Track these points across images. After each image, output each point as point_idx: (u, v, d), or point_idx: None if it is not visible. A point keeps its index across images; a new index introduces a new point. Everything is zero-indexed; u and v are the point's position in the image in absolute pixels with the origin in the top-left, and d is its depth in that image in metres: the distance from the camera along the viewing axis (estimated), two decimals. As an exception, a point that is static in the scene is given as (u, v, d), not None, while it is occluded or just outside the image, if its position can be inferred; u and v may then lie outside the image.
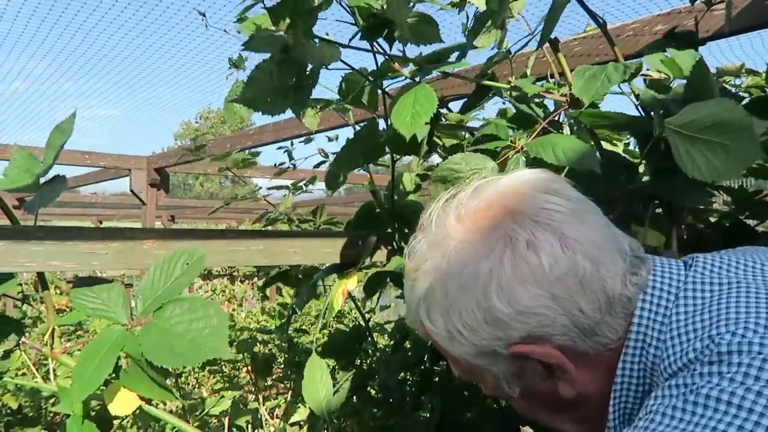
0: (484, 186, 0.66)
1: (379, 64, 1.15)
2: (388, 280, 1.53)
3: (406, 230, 1.48)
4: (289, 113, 1.12)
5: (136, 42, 5.91)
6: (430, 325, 0.65)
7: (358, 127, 1.64)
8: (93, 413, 1.05)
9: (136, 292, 0.98)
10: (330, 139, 2.23)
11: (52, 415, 3.76)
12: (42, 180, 0.97)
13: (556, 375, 0.63)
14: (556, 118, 1.04)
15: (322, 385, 1.11)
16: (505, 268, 0.59)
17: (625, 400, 0.61)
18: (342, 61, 1.09)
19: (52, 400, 3.64)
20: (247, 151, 3.34)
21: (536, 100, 1.10)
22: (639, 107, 1.01)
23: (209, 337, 0.90)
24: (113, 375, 0.97)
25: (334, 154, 1.82)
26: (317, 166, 2.14)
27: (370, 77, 1.16)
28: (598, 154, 0.95)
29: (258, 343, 2.92)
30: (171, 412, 2.59)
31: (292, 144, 2.36)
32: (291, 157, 2.28)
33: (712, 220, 1.30)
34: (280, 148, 2.35)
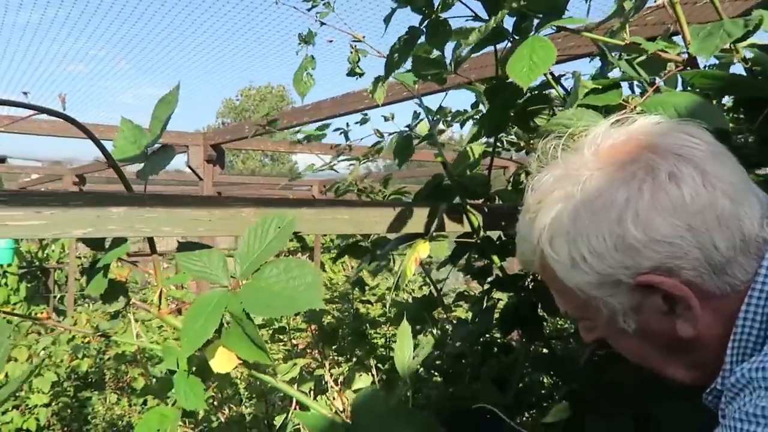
0: (619, 126, 0.67)
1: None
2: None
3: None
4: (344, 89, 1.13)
5: (184, 26, 6.00)
6: (551, 252, 0.65)
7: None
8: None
9: (234, 255, 1.03)
10: (386, 119, 2.25)
11: (116, 381, 3.95)
12: (149, 150, 1.02)
13: (676, 312, 0.62)
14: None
15: (408, 349, 1.14)
16: (644, 196, 0.60)
17: (745, 344, 0.60)
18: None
19: (122, 367, 3.81)
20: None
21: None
22: (747, 71, 0.99)
23: (304, 292, 0.95)
24: (216, 335, 1.03)
25: (389, 134, 1.84)
26: (374, 146, 2.16)
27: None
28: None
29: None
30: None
31: (347, 125, 2.39)
32: (347, 138, 2.31)
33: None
34: (336, 129, 2.38)
